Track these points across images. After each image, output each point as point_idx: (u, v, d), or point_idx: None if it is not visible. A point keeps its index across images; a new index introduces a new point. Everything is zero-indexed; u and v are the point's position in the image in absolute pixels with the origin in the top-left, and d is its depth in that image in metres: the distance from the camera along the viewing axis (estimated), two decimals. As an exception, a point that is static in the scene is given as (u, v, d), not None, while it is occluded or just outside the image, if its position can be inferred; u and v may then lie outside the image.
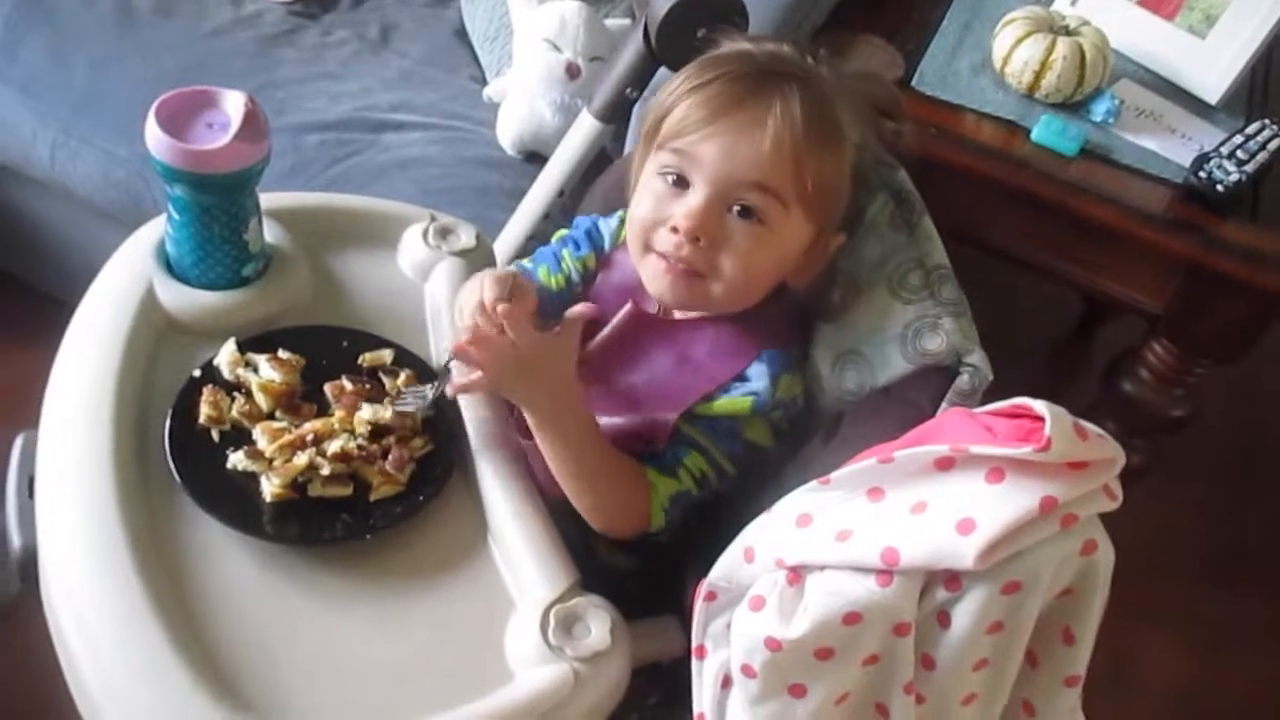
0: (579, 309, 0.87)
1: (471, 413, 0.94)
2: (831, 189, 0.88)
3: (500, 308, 0.84)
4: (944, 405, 0.84)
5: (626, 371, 0.95)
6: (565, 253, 1.01)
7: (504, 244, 1.18)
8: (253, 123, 0.91)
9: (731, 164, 0.85)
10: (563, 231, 1.07)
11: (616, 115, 1.09)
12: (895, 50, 1.49)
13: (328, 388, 0.93)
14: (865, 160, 0.90)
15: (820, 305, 0.95)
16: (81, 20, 1.50)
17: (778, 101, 0.84)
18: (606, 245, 1.03)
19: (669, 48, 1.00)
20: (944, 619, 0.70)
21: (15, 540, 0.88)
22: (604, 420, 0.93)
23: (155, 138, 0.90)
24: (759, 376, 0.91)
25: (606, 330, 0.96)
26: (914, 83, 1.42)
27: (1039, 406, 0.66)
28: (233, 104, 0.93)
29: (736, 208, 0.86)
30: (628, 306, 0.95)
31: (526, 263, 1.06)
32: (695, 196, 0.86)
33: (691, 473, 0.90)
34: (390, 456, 0.88)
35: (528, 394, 0.86)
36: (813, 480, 0.77)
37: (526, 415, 0.87)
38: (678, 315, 0.95)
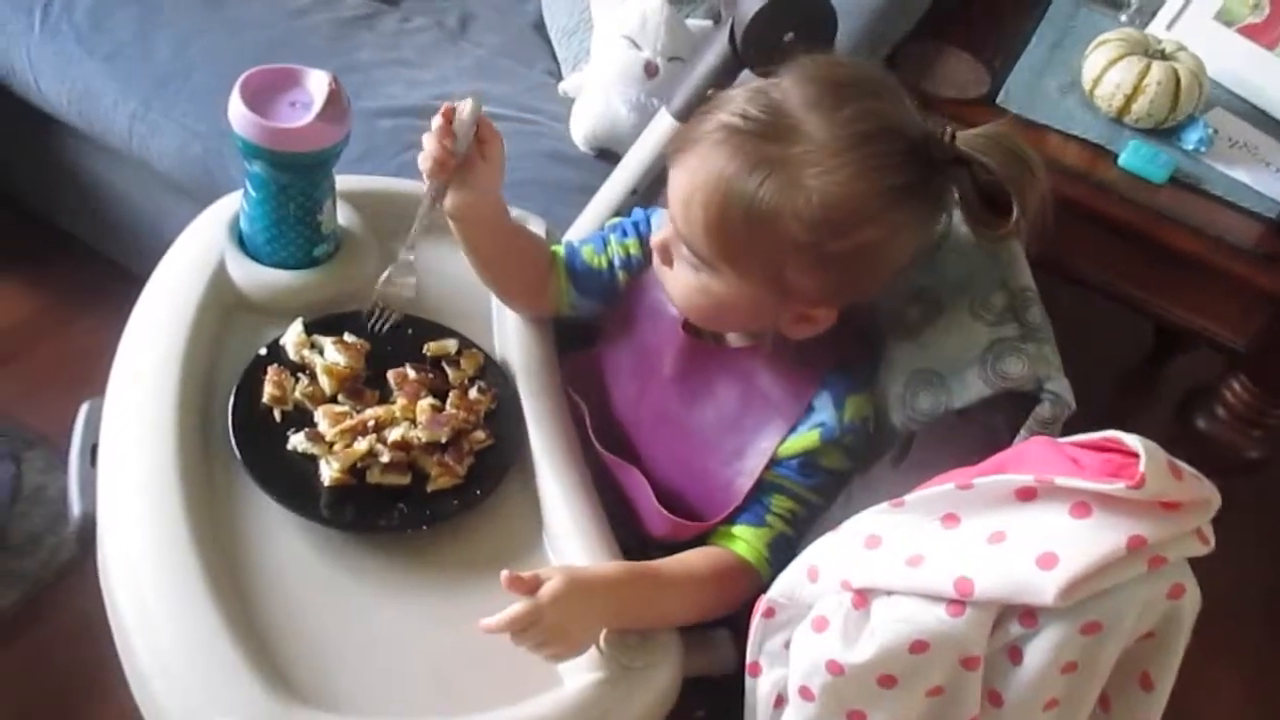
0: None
1: (533, 410, 0.93)
2: (769, 267, 0.82)
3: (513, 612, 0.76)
4: (1023, 433, 0.81)
5: (694, 407, 0.93)
6: (612, 237, 1.00)
7: (573, 239, 1.17)
8: (336, 103, 0.90)
9: (670, 200, 0.85)
10: (616, 219, 1.06)
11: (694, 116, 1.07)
12: (981, 66, 1.46)
13: (391, 375, 0.93)
14: (871, 253, 0.82)
15: (894, 322, 0.93)
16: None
17: (716, 162, 0.80)
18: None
19: (754, 50, 0.98)
20: (1015, 655, 0.67)
21: (75, 508, 0.88)
22: (683, 463, 0.92)
23: (238, 113, 0.90)
24: (824, 406, 0.89)
25: (667, 367, 0.95)
26: (999, 100, 1.39)
27: (1132, 441, 0.63)
28: (316, 84, 0.93)
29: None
30: (680, 338, 0.94)
31: (575, 240, 1.05)
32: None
33: (780, 515, 0.89)
34: (450, 449, 0.87)
35: (586, 628, 0.79)
36: (883, 501, 0.75)
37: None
38: (733, 343, 0.93)
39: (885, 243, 0.82)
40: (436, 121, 0.88)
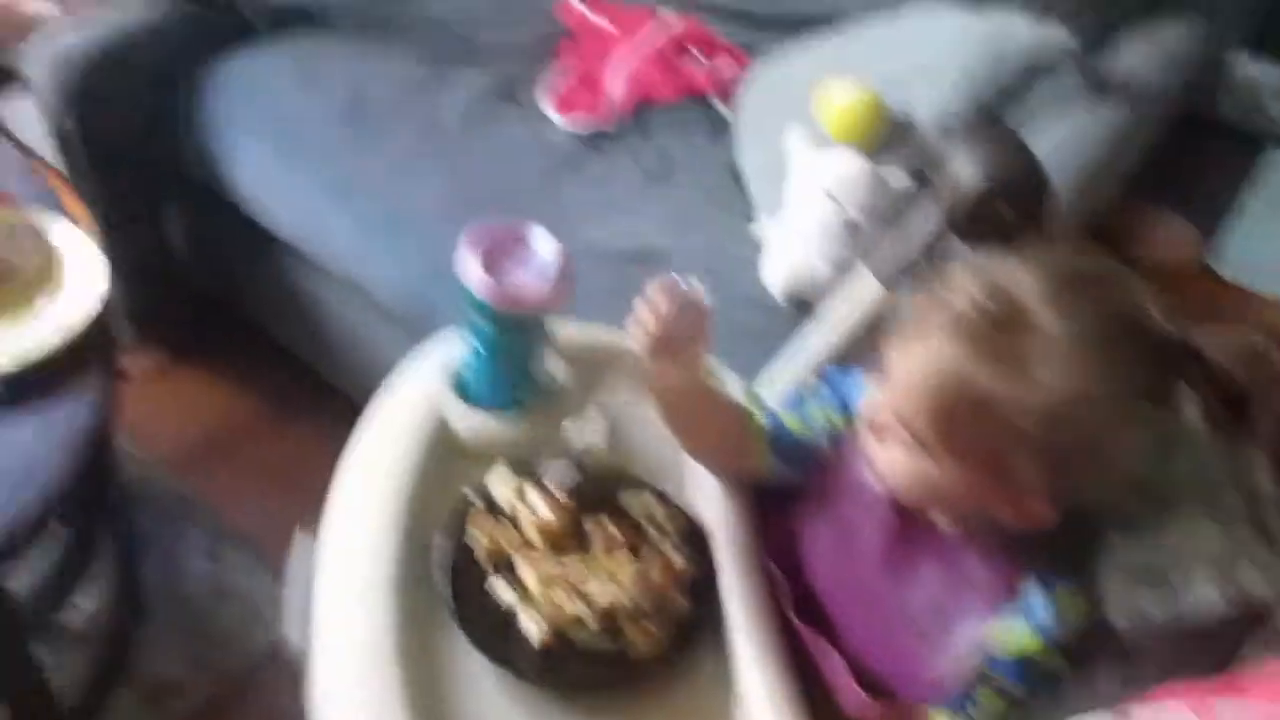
0: None
1: (732, 576, 0.93)
2: (991, 458, 0.80)
3: None
4: (1263, 650, 0.75)
5: (898, 588, 0.91)
6: (815, 405, 0.99)
7: (768, 395, 1.17)
8: (566, 268, 0.95)
9: (891, 382, 0.84)
10: (814, 380, 1.05)
11: (903, 284, 1.07)
12: (1192, 228, 1.41)
13: (590, 526, 0.94)
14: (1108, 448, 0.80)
15: (1114, 513, 0.89)
16: (392, 133, 1.62)
17: (943, 349, 0.79)
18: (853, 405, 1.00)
19: (973, 228, 0.98)
20: None
21: (293, 640, 0.92)
22: (880, 642, 0.91)
23: (470, 272, 0.95)
24: (1033, 594, 0.85)
25: (870, 544, 0.93)
26: (1213, 265, 1.34)
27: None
28: (542, 243, 0.97)
29: None
30: (886, 516, 0.92)
31: (775, 406, 1.04)
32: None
33: (989, 712, 0.85)
34: (654, 615, 0.88)
35: None
36: (1099, 702, 0.71)
37: None
38: (942, 526, 0.91)
39: (1114, 441, 0.80)
40: (658, 300, 0.90)
